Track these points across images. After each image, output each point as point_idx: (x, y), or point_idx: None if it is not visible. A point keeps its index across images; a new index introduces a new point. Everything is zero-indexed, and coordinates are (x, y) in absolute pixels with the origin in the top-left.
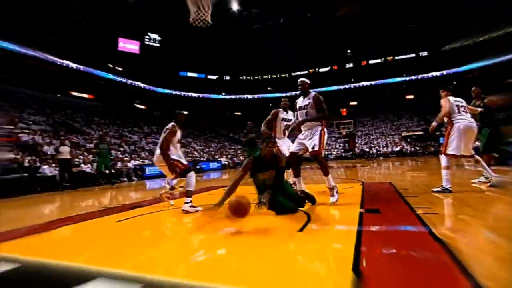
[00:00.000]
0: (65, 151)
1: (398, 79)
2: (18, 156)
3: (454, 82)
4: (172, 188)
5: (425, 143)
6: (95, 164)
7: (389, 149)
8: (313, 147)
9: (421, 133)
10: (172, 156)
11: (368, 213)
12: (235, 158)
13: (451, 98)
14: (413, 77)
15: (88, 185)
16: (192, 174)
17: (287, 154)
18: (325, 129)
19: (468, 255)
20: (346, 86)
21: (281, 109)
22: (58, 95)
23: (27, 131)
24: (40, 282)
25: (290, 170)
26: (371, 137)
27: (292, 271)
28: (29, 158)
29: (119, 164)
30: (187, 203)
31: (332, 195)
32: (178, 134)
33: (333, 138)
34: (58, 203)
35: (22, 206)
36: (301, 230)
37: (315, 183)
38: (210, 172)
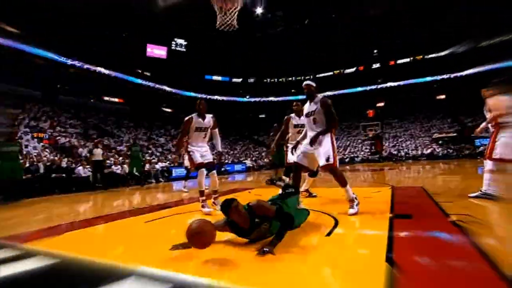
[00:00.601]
0: (98, 153)
1: (429, 78)
2: (56, 158)
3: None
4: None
5: (459, 146)
6: (125, 165)
7: (419, 152)
8: (327, 159)
9: (454, 134)
10: (190, 147)
11: (399, 219)
12: (259, 161)
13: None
14: (445, 76)
15: (118, 185)
16: (199, 172)
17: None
18: (334, 136)
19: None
20: (373, 87)
21: (293, 115)
22: (92, 100)
23: (65, 134)
24: (78, 277)
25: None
26: (400, 140)
27: (322, 275)
28: (66, 159)
29: (147, 166)
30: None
31: (352, 207)
32: (196, 121)
33: (359, 141)
34: (92, 202)
35: (61, 204)
36: (328, 234)
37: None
38: (235, 174)
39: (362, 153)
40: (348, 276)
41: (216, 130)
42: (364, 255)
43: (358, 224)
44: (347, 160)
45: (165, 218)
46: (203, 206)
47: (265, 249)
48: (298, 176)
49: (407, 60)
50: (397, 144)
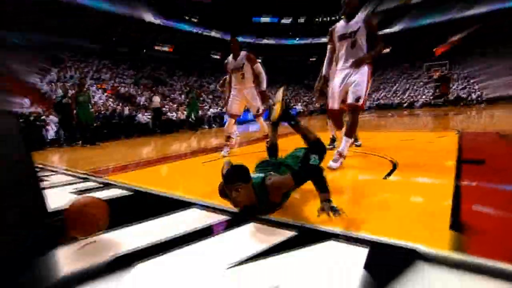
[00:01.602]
0: (156, 101)
1: None
2: (119, 106)
3: None
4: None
5: None
6: (179, 112)
7: (497, 94)
8: (357, 99)
9: None
10: (232, 92)
11: (469, 164)
12: (310, 106)
13: None
14: None
15: (174, 131)
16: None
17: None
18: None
19: None
20: (447, 17)
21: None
22: (144, 50)
23: (123, 84)
24: (149, 205)
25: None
26: (471, 81)
27: (379, 220)
28: (127, 107)
29: (200, 112)
30: None
31: (336, 160)
32: (230, 63)
33: (421, 83)
34: (153, 145)
35: (127, 147)
36: (386, 177)
37: (396, 131)
38: None
39: (424, 97)
40: (408, 224)
41: (257, 66)
42: (426, 203)
43: (419, 169)
44: (405, 105)
45: (220, 160)
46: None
47: (334, 207)
48: (338, 121)
49: None
50: (468, 86)
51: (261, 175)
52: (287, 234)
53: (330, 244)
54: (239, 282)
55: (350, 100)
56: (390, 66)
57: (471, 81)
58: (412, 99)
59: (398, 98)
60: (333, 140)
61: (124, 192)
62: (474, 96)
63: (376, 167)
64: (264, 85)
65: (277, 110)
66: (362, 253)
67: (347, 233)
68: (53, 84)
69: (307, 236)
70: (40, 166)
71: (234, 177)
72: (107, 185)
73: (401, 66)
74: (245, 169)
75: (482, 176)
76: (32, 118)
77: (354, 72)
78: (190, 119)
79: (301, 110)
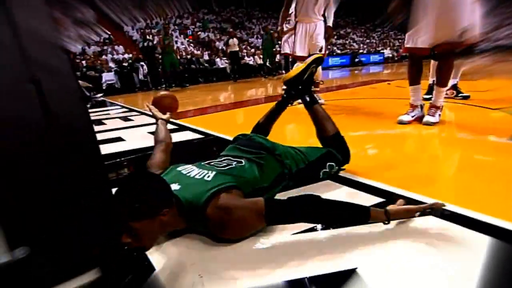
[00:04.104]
0: (234, 44)
1: None
2: (198, 52)
3: None
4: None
5: None
6: (256, 57)
7: None
8: (460, 35)
9: None
10: (297, 26)
11: None
12: (400, 50)
13: None
14: None
15: (251, 76)
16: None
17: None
18: None
19: None
20: None
21: None
22: None
23: (202, 29)
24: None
25: None
26: None
27: (503, 194)
28: (207, 53)
29: (277, 57)
30: None
31: (433, 115)
32: None
33: None
34: (229, 90)
35: (206, 91)
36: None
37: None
38: (369, 66)
39: None
40: None
41: None
42: None
43: None
44: None
45: (293, 106)
46: None
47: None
48: (417, 67)
49: None
50: None
51: (209, 178)
52: (373, 201)
53: (431, 221)
54: (300, 253)
55: (448, 35)
56: None
57: None
58: None
59: None
60: (432, 88)
61: (196, 136)
62: None
63: (495, 125)
64: (331, 21)
65: (297, 68)
66: (479, 241)
67: (455, 209)
68: (141, 31)
69: None
70: (129, 107)
71: (125, 208)
72: (181, 128)
73: None
74: (154, 188)
75: None
76: (124, 63)
77: None
78: (267, 64)
79: (390, 56)
